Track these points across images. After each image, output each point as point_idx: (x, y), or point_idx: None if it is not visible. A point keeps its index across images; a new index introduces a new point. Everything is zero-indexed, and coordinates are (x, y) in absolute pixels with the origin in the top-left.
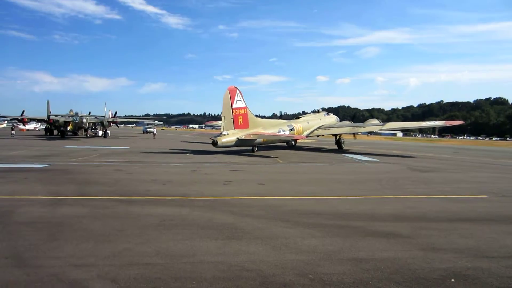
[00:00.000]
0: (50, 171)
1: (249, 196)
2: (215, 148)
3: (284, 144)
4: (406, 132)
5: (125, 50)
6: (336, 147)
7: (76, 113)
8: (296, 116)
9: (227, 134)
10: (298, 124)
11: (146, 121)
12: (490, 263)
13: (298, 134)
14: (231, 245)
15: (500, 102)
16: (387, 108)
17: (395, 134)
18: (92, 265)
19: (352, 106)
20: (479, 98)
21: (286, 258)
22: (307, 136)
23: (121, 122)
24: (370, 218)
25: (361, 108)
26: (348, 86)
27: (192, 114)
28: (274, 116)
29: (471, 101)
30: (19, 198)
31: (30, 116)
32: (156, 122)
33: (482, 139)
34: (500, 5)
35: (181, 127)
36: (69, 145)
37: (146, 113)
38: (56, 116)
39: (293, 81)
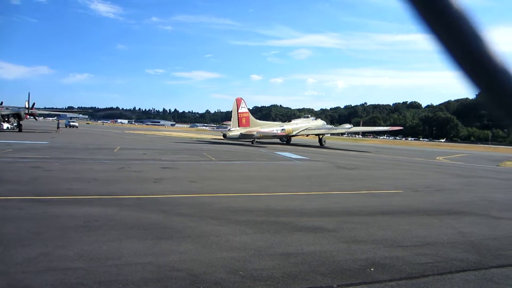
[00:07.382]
0: None
1: (180, 194)
2: (224, 140)
3: (278, 140)
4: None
5: (47, 36)
6: (318, 144)
7: None
8: (289, 120)
9: (234, 130)
10: (288, 126)
11: (69, 114)
12: (404, 252)
13: (288, 133)
14: (161, 245)
15: (415, 106)
16: (316, 108)
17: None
18: (2, 273)
19: (284, 106)
20: (397, 101)
21: (217, 255)
22: (294, 135)
23: (41, 115)
24: (299, 214)
25: (292, 108)
26: (281, 86)
27: (121, 108)
28: (206, 113)
29: (391, 104)
30: None
31: None
32: (81, 115)
33: (400, 139)
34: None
35: (108, 122)
36: None
37: (70, 105)
38: None
39: (228, 79)
